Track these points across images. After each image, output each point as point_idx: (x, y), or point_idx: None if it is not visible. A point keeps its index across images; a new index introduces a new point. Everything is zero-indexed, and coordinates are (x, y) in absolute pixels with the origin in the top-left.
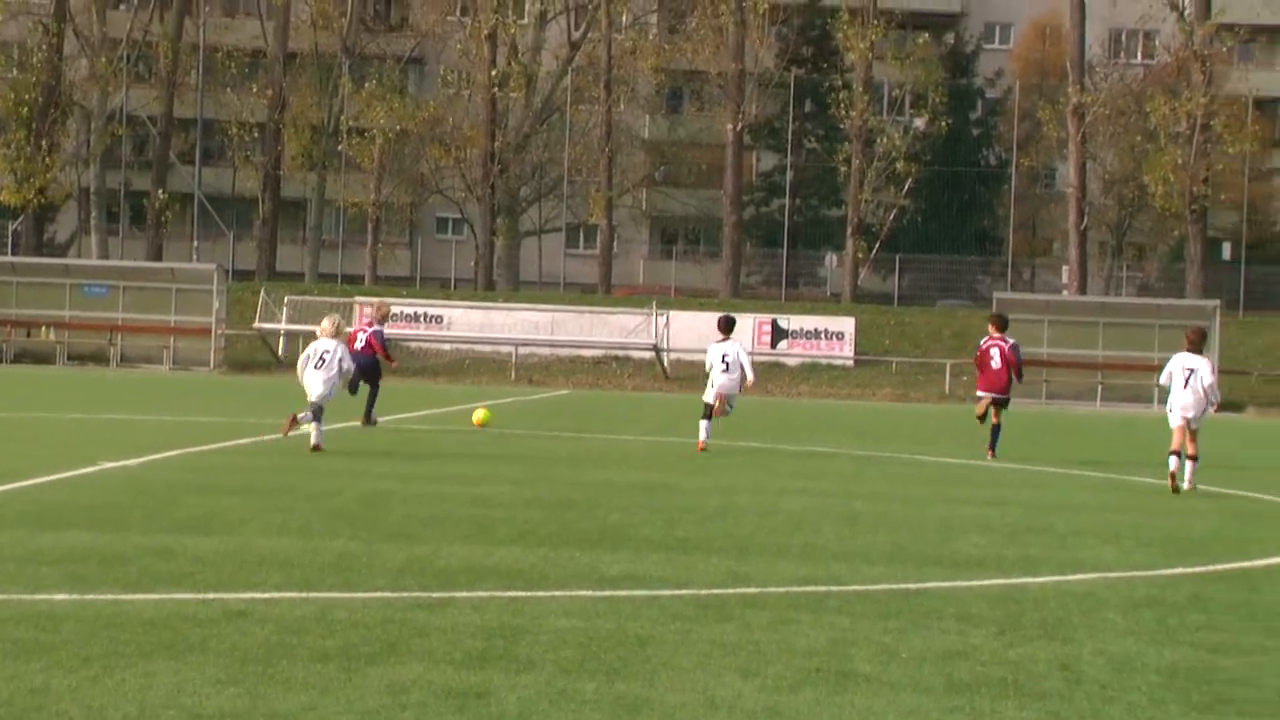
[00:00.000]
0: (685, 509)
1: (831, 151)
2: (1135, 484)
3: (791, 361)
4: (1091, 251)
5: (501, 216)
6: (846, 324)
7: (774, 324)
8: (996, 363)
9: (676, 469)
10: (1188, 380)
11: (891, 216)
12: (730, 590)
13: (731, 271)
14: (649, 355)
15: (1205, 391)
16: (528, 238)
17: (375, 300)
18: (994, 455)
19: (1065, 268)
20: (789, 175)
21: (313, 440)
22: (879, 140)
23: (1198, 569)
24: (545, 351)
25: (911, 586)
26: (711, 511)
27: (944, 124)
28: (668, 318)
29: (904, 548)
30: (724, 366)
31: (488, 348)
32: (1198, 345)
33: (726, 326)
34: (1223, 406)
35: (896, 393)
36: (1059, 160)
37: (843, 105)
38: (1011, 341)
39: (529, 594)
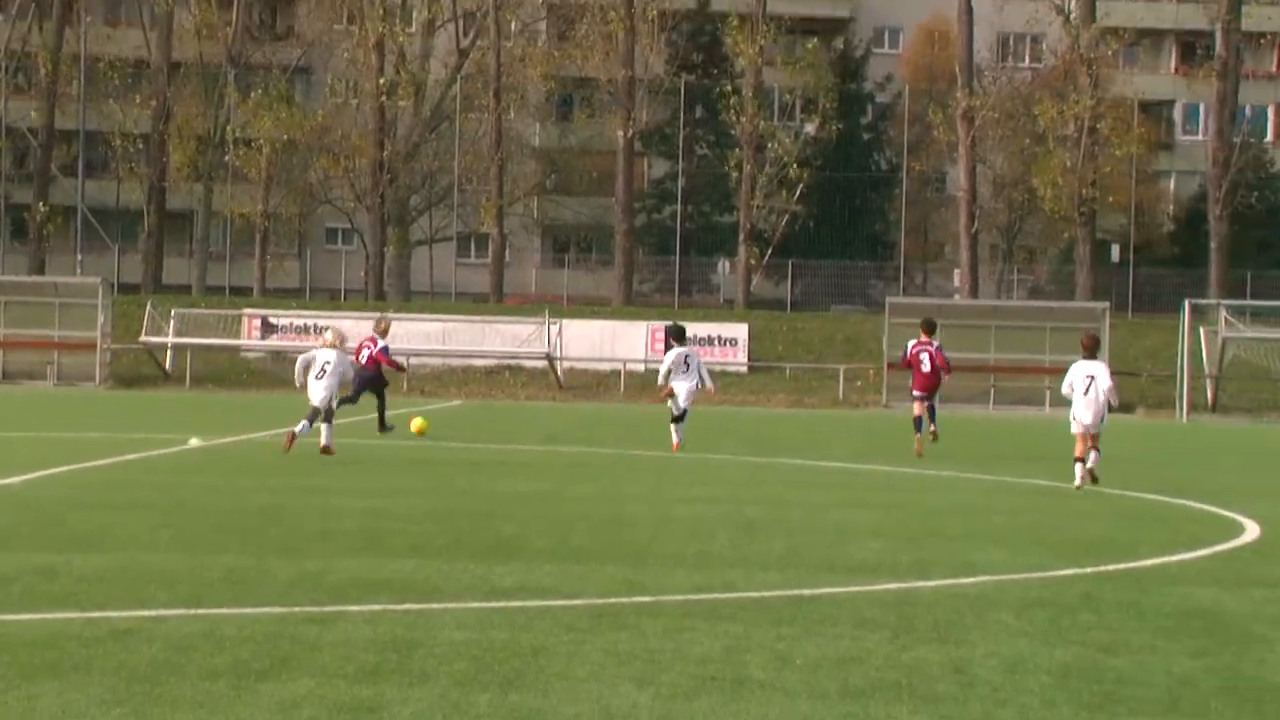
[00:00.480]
0: (579, 518)
1: (723, 157)
2: (1028, 486)
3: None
4: (982, 255)
5: (392, 226)
6: (740, 330)
7: (667, 331)
8: (927, 365)
9: (570, 478)
10: (1088, 388)
11: (784, 222)
12: (625, 599)
13: (624, 279)
14: (542, 364)
15: (1105, 397)
16: (419, 247)
17: (376, 314)
18: (936, 437)
19: (957, 271)
20: (680, 182)
21: (323, 440)
22: (770, 146)
23: (1089, 570)
24: (437, 362)
25: (806, 593)
26: (605, 520)
27: (835, 129)
28: (560, 326)
29: (799, 554)
30: (685, 368)
31: None
32: (1093, 351)
33: (679, 336)
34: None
35: (791, 399)
36: (949, 164)
37: (733, 111)
38: (939, 344)
39: (422, 607)
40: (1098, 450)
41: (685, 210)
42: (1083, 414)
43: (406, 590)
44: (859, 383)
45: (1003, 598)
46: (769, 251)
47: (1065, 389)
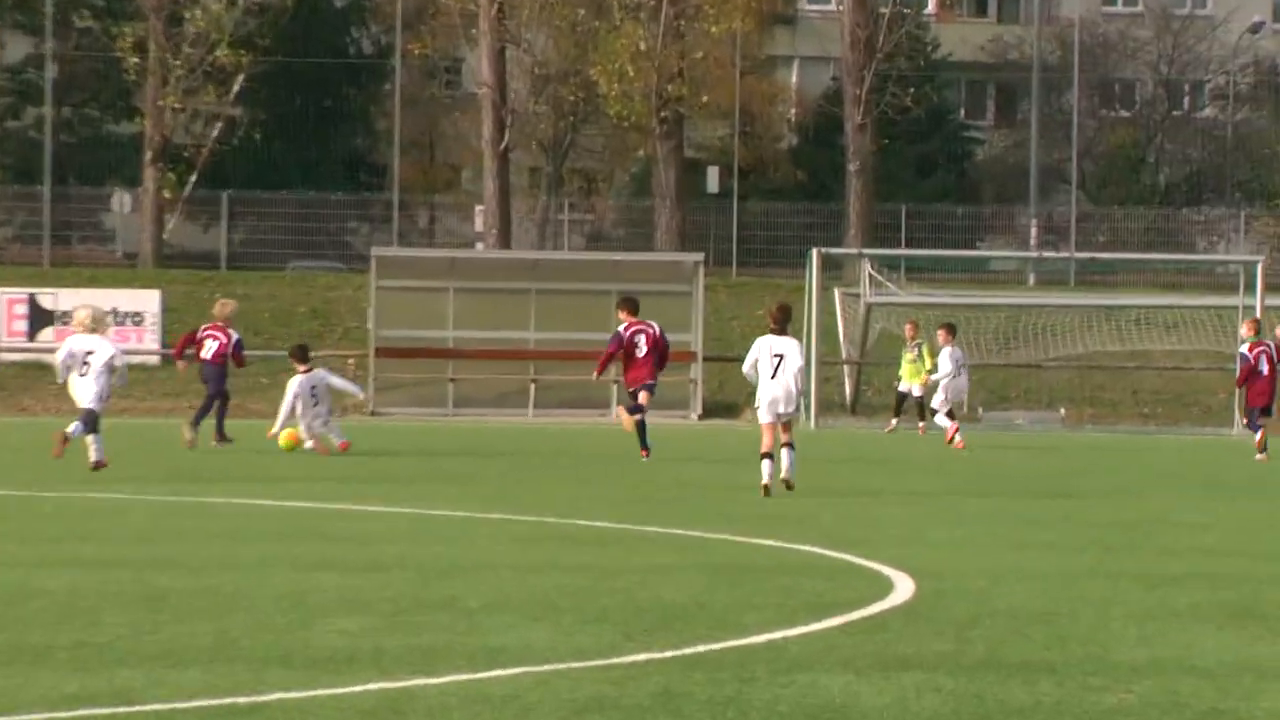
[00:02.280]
0: None
1: (116, 32)
2: (580, 529)
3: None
4: (519, 184)
5: None
6: (148, 301)
7: (32, 303)
8: (643, 349)
9: None
10: (776, 369)
11: (215, 134)
12: None
13: None
14: None
15: (796, 380)
16: None
17: (221, 298)
18: (647, 455)
19: (479, 210)
20: (50, 70)
21: (92, 457)
22: (190, 16)
23: (669, 653)
24: None
25: (243, 700)
26: None
27: None
28: None
29: (234, 641)
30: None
31: None
32: (783, 325)
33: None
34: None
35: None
36: (466, 46)
37: None
38: (658, 325)
39: None
40: (792, 447)
41: (60, 114)
42: (772, 398)
43: None
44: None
45: (544, 699)
46: (192, 179)
47: (747, 369)
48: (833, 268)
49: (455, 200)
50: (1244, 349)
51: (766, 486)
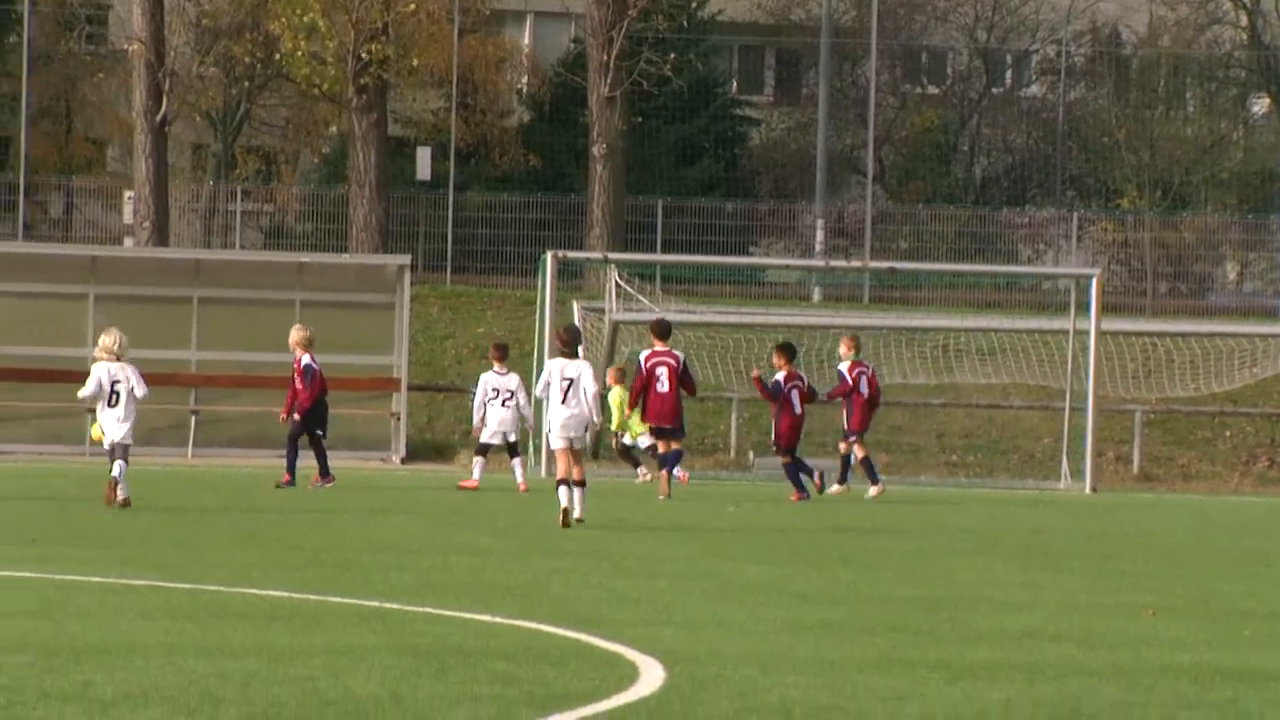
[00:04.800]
0: None
1: None
2: (250, 600)
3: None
4: (179, 165)
5: None
6: None
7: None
8: (664, 384)
9: None
10: (567, 393)
11: None
12: None
13: None
14: None
15: (591, 405)
16: None
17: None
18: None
19: (129, 196)
20: None
21: (120, 495)
22: None
23: None
24: None
25: None
26: None
27: None
28: None
29: None
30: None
31: None
32: (573, 348)
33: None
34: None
35: None
36: None
37: None
38: (680, 355)
39: None
40: (582, 485)
41: None
42: (563, 423)
43: None
44: None
45: None
46: None
47: (539, 390)
48: (572, 275)
49: (98, 184)
50: (843, 367)
51: (565, 511)
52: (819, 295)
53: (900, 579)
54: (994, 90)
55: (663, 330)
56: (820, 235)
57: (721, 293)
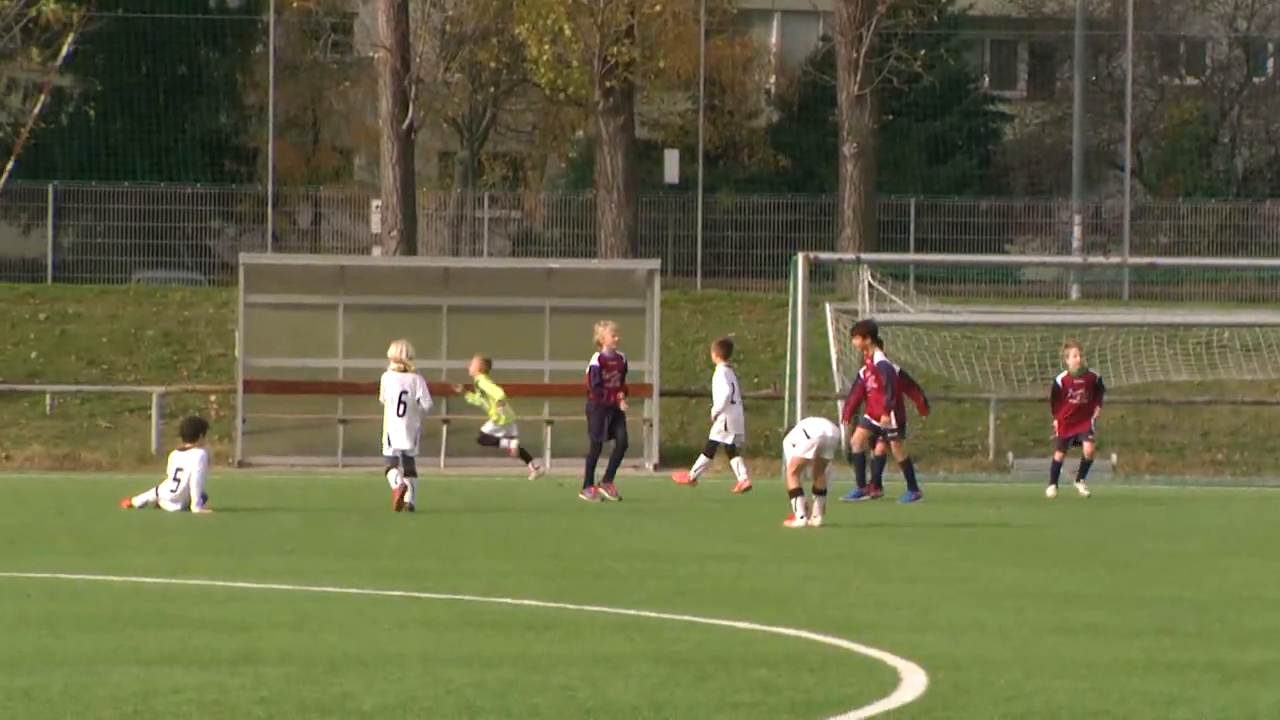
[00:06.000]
0: None
1: None
2: (506, 610)
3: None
4: (426, 173)
5: None
6: None
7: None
8: (873, 383)
9: None
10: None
11: (37, 110)
12: None
13: None
14: None
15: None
16: None
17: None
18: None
19: (376, 205)
20: None
21: (408, 499)
22: None
23: None
24: None
25: None
26: None
27: None
28: None
29: None
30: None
31: None
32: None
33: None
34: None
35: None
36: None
37: None
38: (883, 361)
39: None
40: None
41: None
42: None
43: None
44: (197, 410)
45: None
46: (9, 167)
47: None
48: (824, 276)
49: (345, 193)
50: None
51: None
52: (1077, 293)
53: (1165, 580)
54: (1255, 80)
55: (870, 329)
56: (1077, 232)
57: (976, 292)
